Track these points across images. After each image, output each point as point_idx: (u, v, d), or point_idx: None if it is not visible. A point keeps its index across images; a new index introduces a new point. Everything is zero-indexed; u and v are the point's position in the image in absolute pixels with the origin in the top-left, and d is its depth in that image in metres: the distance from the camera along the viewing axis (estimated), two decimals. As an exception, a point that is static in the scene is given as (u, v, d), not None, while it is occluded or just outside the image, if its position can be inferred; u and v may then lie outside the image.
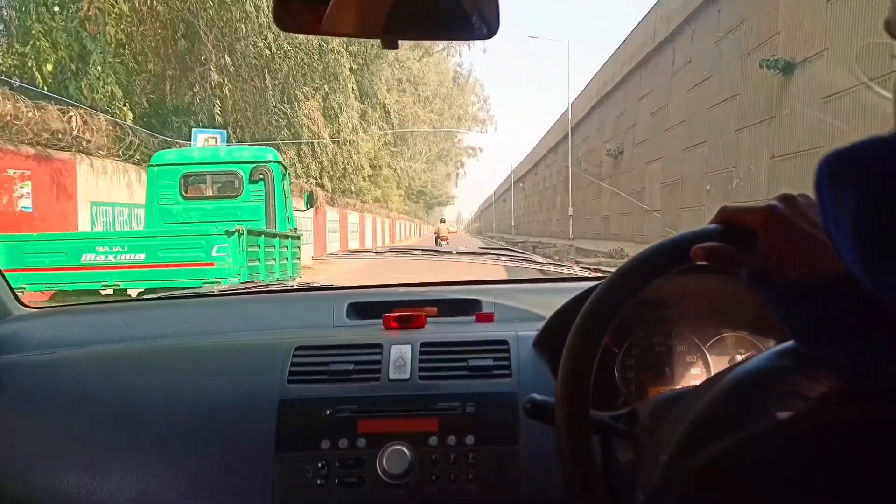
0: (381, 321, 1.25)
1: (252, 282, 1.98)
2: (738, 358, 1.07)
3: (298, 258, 6.34)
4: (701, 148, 14.84)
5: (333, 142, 20.52)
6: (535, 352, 1.10)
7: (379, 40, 0.83)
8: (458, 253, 1.90)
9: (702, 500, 0.42)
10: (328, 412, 1.02)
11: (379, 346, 1.11)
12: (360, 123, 23.68)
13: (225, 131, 10.27)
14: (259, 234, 5.23)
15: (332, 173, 21.18)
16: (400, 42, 0.82)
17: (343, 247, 22.15)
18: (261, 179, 6.15)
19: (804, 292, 0.43)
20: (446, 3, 0.80)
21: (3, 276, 1.38)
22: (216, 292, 1.69)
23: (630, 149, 21.04)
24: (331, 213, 21.56)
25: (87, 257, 4.75)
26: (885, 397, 0.36)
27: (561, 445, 0.70)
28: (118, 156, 8.20)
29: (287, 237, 6.13)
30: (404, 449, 0.98)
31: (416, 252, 1.98)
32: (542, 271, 1.93)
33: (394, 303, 1.35)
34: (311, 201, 7.77)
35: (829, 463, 0.36)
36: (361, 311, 1.37)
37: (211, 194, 6.43)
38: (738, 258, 0.56)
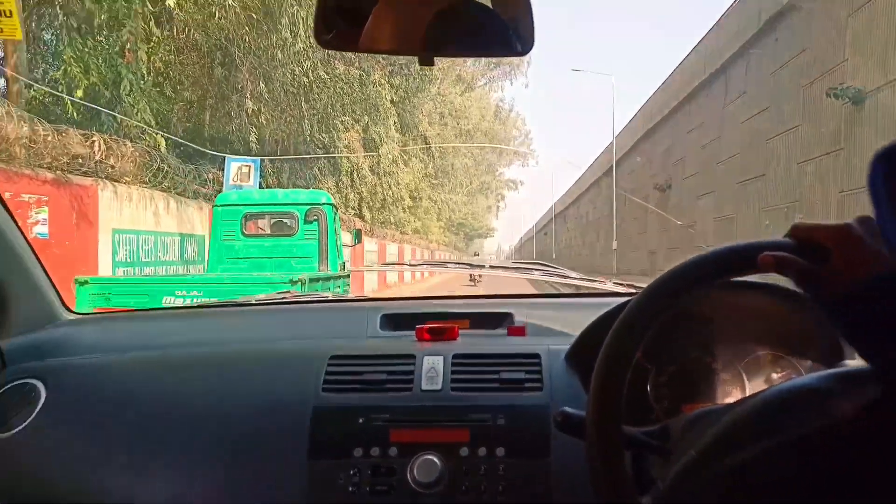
0: (413, 333, 1.25)
1: (288, 292, 1.96)
2: (775, 377, 1.06)
3: (346, 285, 6.77)
4: (758, 182, 14.02)
5: (373, 173, 20.31)
6: (567, 365, 1.10)
7: (416, 58, 0.87)
8: (491, 266, 1.89)
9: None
10: (361, 421, 1.03)
11: (412, 357, 1.12)
12: (401, 155, 23.43)
13: (259, 160, 9.99)
14: (317, 279, 5.52)
15: (371, 204, 20.92)
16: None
17: (381, 278, 21.86)
18: (315, 220, 6.58)
19: (857, 292, 0.42)
20: (483, 20, 0.83)
21: (52, 282, 1.40)
22: (253, 302, 1.69)
23: (678, 183, 20.25)
24: (370, 243, 21.29)
25: (167, 300, 4.94)
26: None
27: (592, 459, 0.70)
28: (145, 182, 7.91)
29: (339, 277, 6.43)
30: (435, 459, 0.99)
31: (451, 265, 1.98)
32: (575, 286, 1.91)
33: (426, 315, 1.36)
34: (359, 237, 8.75)
35: (855, 474, 0.34)
36: (395, 322, 1.38)
37: (269, 232, 6.94)
38: (807, 270, 0.55)
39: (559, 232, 52.17)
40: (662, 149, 22.17)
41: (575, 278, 1.86)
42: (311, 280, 5.08)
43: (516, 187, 61.32)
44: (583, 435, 0.72)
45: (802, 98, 12.23)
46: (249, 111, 10.22)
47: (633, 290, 1.54)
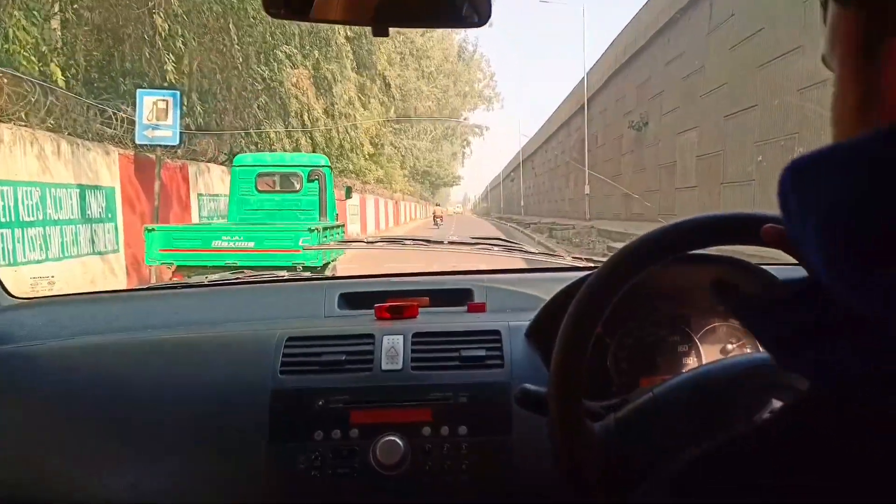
0: (372, 311, 1.25)
1: (242, 271, 1.76)
2: (730, 348, 1.08)
3: (340, 235, 7.98)
4: (749, 114, 12.73)
5: (327, 115, 18.58)
6: (527, 342, 1.10)
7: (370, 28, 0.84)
8: (450, 243, 1.88)
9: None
10: (321, 403, 1.03)
11: (371, 336, 1.12)
12: (358, 97, 21.59)
13: (177, 93, 8.31)
14: (326, 228, 6.80)
15: (327, 150, 19.25)
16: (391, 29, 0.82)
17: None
18: (316, 179, 7.90)
19: (770, 304, 0.42)
20: None
21: None
22: (206, 282, 1.65)
23: (656, 120, 18.90)
24: (327, 194, 19.75)
25: (216, 243, 6.16)
26: (858, 400, 0.36)
27: (553, 435, 0.71)
28: (20, 120, 6.23)
29: (338, 226, 7.92)
30: (397, 440, 0.99)
31: (408, 242, 1.92)
32: (534, 261, 1.83)
33: (385, 293, 1.35)
34: (349, 193, 10.90)
35: (810, 465, 0.35)
36: (353, 301, 1.37)
37: (278, 189, 8.09)
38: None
39: (527, 178, 50.88)
40: (637, 83, 20.70)
41: (535, 253, 1.83)
42: (324, 228, 6.54)
43: (482, 133, 59.98)
44: (544, 411, 0.73)
45: (805, 16, 10.84)
46: (164, 33, 8.41)
47: (593, 265, 1.54)
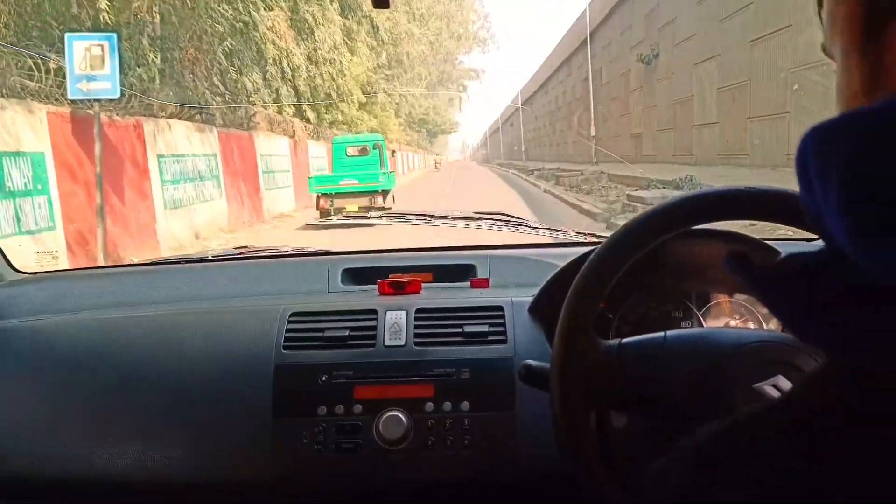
0: (375, 287, 1.25)
1: (245, 247, 1.75)
2: (733, 323, 1.08)
3: (393, 179, 13.34)
4: (780, 36, 11.25)
5: (310, 61, 17.06)
6: (531, 318, 1.10)
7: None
8: (454, 218, 1.89)
9: (700, 483, 0.40)
10: (324, 378, 1.03)
11: (374, 312, 1.12)
12: (345, 41, 19.93)
13: (113, 36, 6.91)
14: (385, 172, 12.32)
15: (313, 99, 17.78)
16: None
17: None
18: (377, 149, 13.16)
19: (788, 275, 0.41)
20: None
21: None
22: (210, 257, 1.63)
23: (669, 50, 17.32)
24: (315, 147, 18.33)
25: (341, 182, 11.54)
26: (881, 373, 0.35)
27: (555, 411, 0.72)
28: None
29: (390, 172, 13.24)
30: (400, 415, 1.00)
31: (411, 217, 1.99)
32: (538, 236, 1.81)
33: (389, 268, 1.35)
34: (393, 154, 15.47)
35: (831, 444, 0.34)
36: (356, 276, 1.37)
37: (356, 155, 13.17)
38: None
39: (527, 121, 49.04)
40: (646, 11, 18.99)
41: (539, 228, 1.82)
42: (385, 172, 12.19)
43: (478, 76, 58.12)
44: (546, 387, 0.73)
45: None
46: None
47: (596, 240, 1.54)
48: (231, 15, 10.57)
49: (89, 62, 6.74)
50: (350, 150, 13.38)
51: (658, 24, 17.97)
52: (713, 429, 0.41)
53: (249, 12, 11.44)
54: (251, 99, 13.84)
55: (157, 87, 8.90)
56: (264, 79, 14.65)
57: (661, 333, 0.77)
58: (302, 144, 16.77)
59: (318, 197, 11.50)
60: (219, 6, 10.17)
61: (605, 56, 23.98)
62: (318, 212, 11.43)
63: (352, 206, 10.66)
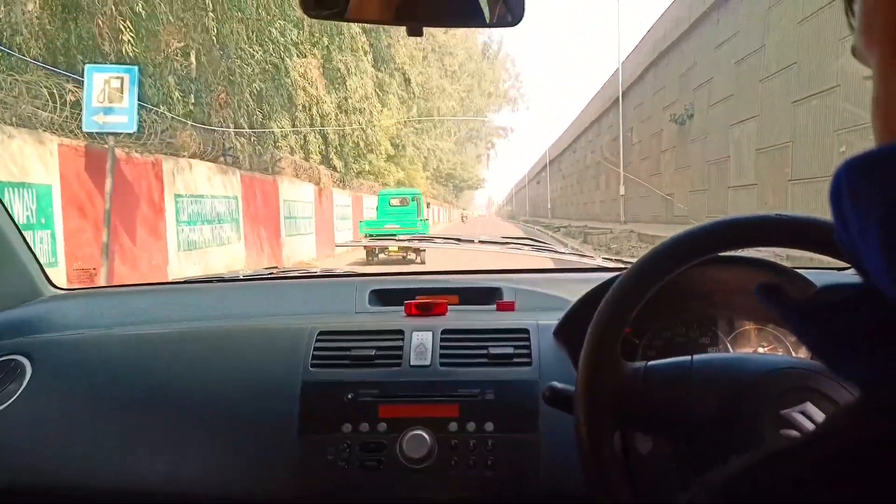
0: (402, 308, 1.25)
1: (275, 267, 1.88)
2: (761, 351, 1.07)
3: (427, 226, 15.97)
4: (827, 97, 10.81)
5: (341, 110, 17.02)
6: (556, 341, 1.10)
7: (404, 28, 0.86)
8: (480, 242, 1.87)
9: None
10: (350, 396, 1.04)
11: (401, 332, 1.13)
12: (376, 92, 19.94)
13: (135, 68, 6.68)
14: (422, 219, 14.96)
15: (340, 150, 17.66)
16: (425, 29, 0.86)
17: (357, 236, 18.92)
18: (415, 200, 15.42)
19: (822, 308, 0.40)
20: None
21: (35, 257, 1.41)
22: (241, 277, 1.66)
23: (703, 111, 16.96)
24: (340, 196, 18.14)
25: (385, 227, 13.61)
26: None
27: (580, 434, 0.72)
28: None
29: (425, 219, 15.93)
30: (424, 434, 1.00)
31: (438, 241, 1.96)
32: (564, 261, 1.79)
33: (415, 290, 1.36)
34: (428, 206, 17.34)
35: (864, 480, 0.34)
36: (383, 297, 1.38)
37: (398, 205, 15.34)
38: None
39: (554, 180, 48.90)
40: (680, 72, 18.75)
41: (564, 253, 1.81)
42: (421, 219, 15.10)
43: (507, 134, 58.60)
44: (571, 410, 0.74)
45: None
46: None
47: (623, 266, 1.56)
48: (262, 57, 10.43)
49: (108, 95, 6.51)
50: (393, 201, 15.53)
51: (693, 85, 17.67)
52: (740, 463, 0.39)
53: (281, 57, 11.34)
54: (278, 144, 13.72)
55: (179, 126, 8.67)
56: (293, 125, 14.59)
57: (689, 357, 0.78)
58: (327, 192, 16.59)
59: (367, 238, 14.02)
60: (250, 47, 10.04)
61: (637, 116, 23.72)
62: (366, 253, 12.96)
63: (393, 246, 11.89)
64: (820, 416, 0.67)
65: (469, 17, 0.88)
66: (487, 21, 0.87)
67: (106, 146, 6.74)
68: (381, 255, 12.44)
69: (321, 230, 15.69)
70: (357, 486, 1.00)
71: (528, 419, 1.01)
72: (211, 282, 1.63)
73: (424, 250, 12.12)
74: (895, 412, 0.34)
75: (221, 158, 10.30)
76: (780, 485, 0.36)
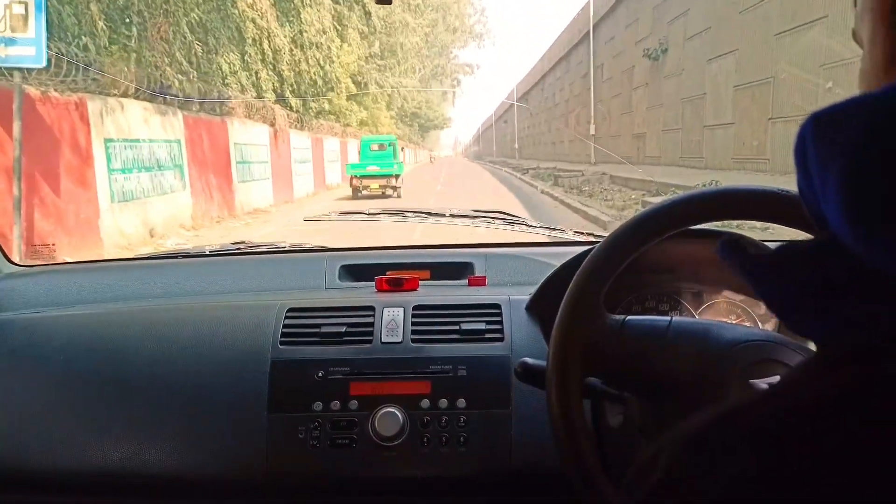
0: (373, 283, 1.25)
1: (243, 242, 1.75)
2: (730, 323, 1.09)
3: (402, 167, 16.64)
4: (814, 29, 10.18)
5: (295, 44, 15.86)
6: (528, 316, 1.10)
7: None
8: (451, 216, 1.89)
9: (690, 468, 0.38)
10: (320, 374, 1.04)
11: (371, 308, 1.12)
12: (334, 26, 18.68)
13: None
14: (398, 162, 16.10)
15: (296, 87, 16.57)
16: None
17: (319, 180, 18.04)
18: (391, 145, 16.81)
19: (781, 261, 0.40)
20: None
21: None
22: (208, 252, 1.64)
23: (679, 45, 16.23)
24: (298, 138, 17.10)
25: (368, 168, 15.48)
26: (871, 364, 0.35)
27: (552, 409, 0.73)
28: None
29: (401, 162, 16.71)
30: (396, 412, 1.00)
31: (409, 214, 1.96)
32: (536, 235, 1.79)
33: (386, 265, 1.35)
34: (403, 150, 19.53)
35: (818, 434, 0.34)
36: (354, 273, 1.38)
37: (377, 150, 16.67)
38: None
39: (521, 118, 47.90)
40: (655, 3, 17.88)
41: (537, 227, 1.80)
42: (398, 162, 16.01)
43: (473, 71, 57.11)
44: (543, 385, 0.74)
45: None
46: None
47: (594, 240, 1.56)
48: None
49: (8, 22, 5.54)
50: (373, 146, 17.25)
51: (668, 18, 16.87)
52: (705, 416, 0.40)
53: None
54: (226, 81, 12.65)
55: (105, 61, 7.66)
56: (242, 60, 13.47)
57: (668, 318, 0.79)
58: (283, 134, 15.57)
59: (351, 178, 15.82)
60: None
61: (608, 52, 22.86)
62: (352, 189, 15.44)
63: (374, 184, 15.00)
64: None
65: None
66: None
67: (11, 84, 5.78)
68: (364, 192, 14.94)
69: (278, 175, 14.77)
70: (328, 464, 1.00)
71: (501, 395, 1.02)
72: (176, 257, 1.62)
73: (400, 186, 15.22)
74: (847, 365, 0.34)
75: (160, 98, 9.29)
76: (742, 434, 0.36)
